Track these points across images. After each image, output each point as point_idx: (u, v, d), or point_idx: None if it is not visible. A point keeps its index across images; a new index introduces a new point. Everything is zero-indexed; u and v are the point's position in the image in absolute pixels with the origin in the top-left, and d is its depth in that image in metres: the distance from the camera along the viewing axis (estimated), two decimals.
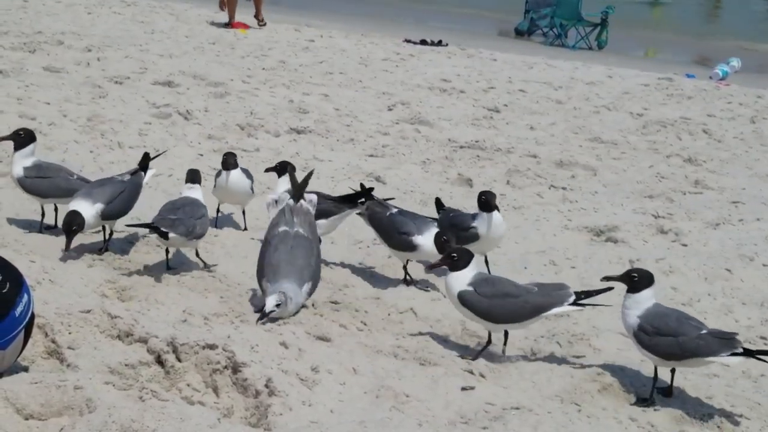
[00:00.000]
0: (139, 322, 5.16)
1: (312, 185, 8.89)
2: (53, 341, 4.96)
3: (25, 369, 4.74)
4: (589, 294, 5.67)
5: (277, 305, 5.73)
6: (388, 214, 6.85)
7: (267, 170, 7.72)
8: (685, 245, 8.24)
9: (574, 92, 14.95)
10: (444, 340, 5.94)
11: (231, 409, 4.71)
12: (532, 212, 8.87)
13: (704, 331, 5.26)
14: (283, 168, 7.40)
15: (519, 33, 23.26)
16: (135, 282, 6.15)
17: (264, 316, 5.68)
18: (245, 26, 18.45)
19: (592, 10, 22.16)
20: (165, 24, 17.61)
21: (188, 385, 4.81)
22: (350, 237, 7.76)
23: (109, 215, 6.61)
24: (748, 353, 5.20)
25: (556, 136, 11.97)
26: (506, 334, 5.76)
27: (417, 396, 4.98)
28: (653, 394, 5.38)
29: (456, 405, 4.98)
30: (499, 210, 6.92)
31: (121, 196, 6.72)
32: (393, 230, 6.76)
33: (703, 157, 11.32)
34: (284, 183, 7.12)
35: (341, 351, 5.43)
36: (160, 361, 4.92)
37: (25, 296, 4.49)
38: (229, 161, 7.58)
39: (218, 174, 7.69)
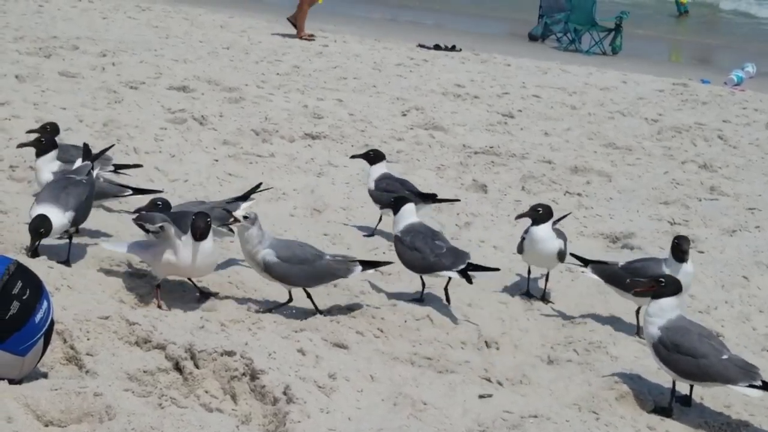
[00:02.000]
0: (157, 329, 5.16)
1: (327, 192, 8.95)
2: (72, 347, 4.98)
3: (45, 375, 4.75)
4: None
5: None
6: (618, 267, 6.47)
7: (354, 156, 8.25)
8: (701, 252, 8.22)
9: (588, 98, 14.93)
10: (461, 348, 5.94)
11: (249, 416, 4.72)
12: None
13: (725, 357, 5.18)
14: (377, 156, 8.00)
15: (533, 38, 23.24)
16: (151, 288, 6.15)
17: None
18: (311, 36, 18.59)
19: (606, 15, 22.12)
20: (179, 29, 17.65)
21: (206, 392, 4.83)
22: (366, 244, 7.76)
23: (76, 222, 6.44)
24: (767, 386, 5.13)
25: (571, 141, 11.95)
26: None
27: (434, 403, 4.98)
28: (672, 403, 5.36)
29: (473, 413, 4.98)
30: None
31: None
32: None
33: (718, 163, 11.29)
34: (379, 169, 7.88)
35: (358, 358, 5.44)
36: (178, 368, 4.93)
37: (45, 303, 4.50)
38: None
39: None
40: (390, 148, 10.80)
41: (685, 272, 6.10)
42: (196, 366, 4.92)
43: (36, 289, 4.48)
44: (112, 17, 18.22)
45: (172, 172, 8.99)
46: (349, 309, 6.23)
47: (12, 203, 7.59)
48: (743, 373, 5.15)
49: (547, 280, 6.96)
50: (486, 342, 6.10)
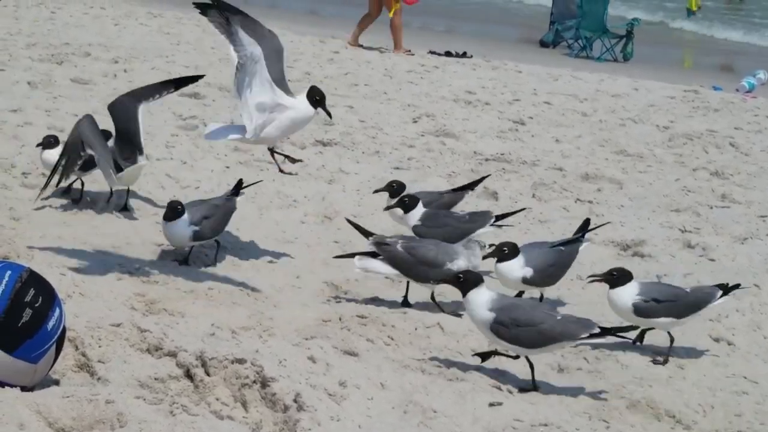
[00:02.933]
0: (168, 336, 5.18)
1: (338, 199, 8.96)
2: (84, 355, 4.99)
3: (57, 383, 4.77)
4: None
5: None
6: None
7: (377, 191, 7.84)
8: (712, 260, 8.21)
9: (599, 104, 14.92)
10: (471, 355, 5.93)
11: (260, 424, 4.72)
12: (558, 226, 8.84)
13: (560, 317, 5.52)
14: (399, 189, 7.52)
15: (544, 45, 23.25)
16: (163, 295, 6.18)
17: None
18: (409, 52, 18.89)
19: (617, 21, 22.14)
20: (191, 35, 17.70)
21: (217, 400, 4.83)
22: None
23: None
24: (605, 332, 5.45)
25: (582, 148, 11.95)
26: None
27: (445, 411, 4.99)
28: (534, 380, 5.55)
29: (484, 421, 4.98)
30: None
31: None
32: None
33: (730, 170, 11.27)
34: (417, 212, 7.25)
35: (369, 366, 5.44)
36: (189, 375, 4.94)
37: (57, 310, 4.53)
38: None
39: None
40: (401, 155, 10.82)
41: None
42: (207, 373, 4.93)
43: (48, 297, 4.51)
44: (124, 24, 18.28)
45: (183, 178, 9.01)
46: (360, 317, 6.24)
47: (24, 210, 7.64)
48: (582, 326, 5.48)
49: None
50: (497, 350, 6.09)
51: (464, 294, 5.52)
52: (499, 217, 7.46)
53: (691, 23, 30.43)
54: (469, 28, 24.59)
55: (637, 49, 22.16)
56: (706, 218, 9.37)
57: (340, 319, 6.21)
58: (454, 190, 8.08)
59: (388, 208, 7.44)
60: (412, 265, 6.43)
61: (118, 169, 7.21)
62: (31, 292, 4.43)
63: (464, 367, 5.73)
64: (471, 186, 8.11)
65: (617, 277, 6.01)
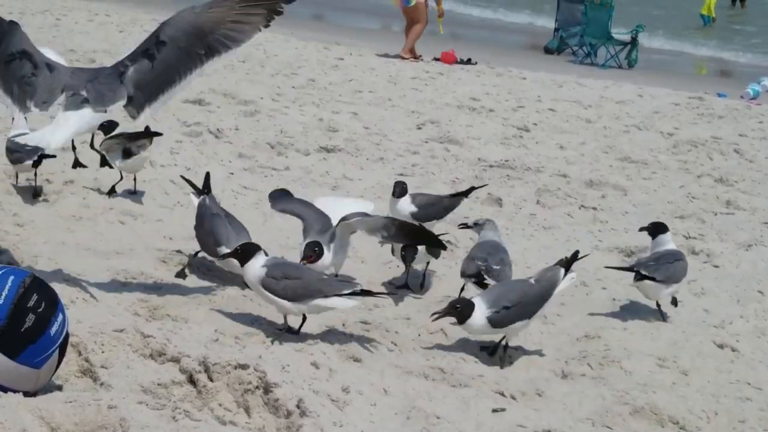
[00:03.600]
0: (171, 342, 5.18)
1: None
2: (87, 360, 4.99)
3: (59, 388, 4.77)
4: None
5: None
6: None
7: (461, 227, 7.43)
8: (716, 267, 8.20)
9: (604, 111, 14.92)
10: (475, 362, 5.93)
11: (263, 430, 4.72)
12: (563, 232, 8.85)
13: (325, 276, 5.97)
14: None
15: (549, 51, 23.25)
16: (167, 301, 6.18)
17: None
18: (419, 58, 19.21)
19: (622, 28, 22.13)
20: None
21: (220, 405, 4.83)
22: (380, 257, 7.76)
23: None
24: (365, 293, 5.81)
25: (586, 155, 11.95)
26: None
27: (448, 417, 4.98)
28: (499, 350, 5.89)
29: (487, 427, 4.98)
30: None
31: None
32: None
33: (734, 177, 11.26)
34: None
35: (372, 371, 5.44)
36: (192, 381, 4.94)
37: (60, 315, 4.53)
38: None
39: None
40: (405, 161, 10.82)
41: None
42: (210, 379, 4.93)
43: (51, 302, 4.51)
44: (128, 30, 18.31)
45: (187, 185, 9.01)
46: (363, 322, 6.24)
47: (29, 216, 7.64)
48: (345, 283, 5.87)
49: None
50: (500, 356, 6.09)
51: (242, 265, 5.84)
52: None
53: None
54: (474, 35, 24.59)
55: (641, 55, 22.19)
56: (711, 225, 9.37)
57: (343, 324, 6.21)
58: (452, 195, 8.13)
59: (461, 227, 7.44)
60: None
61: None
62: (34, 297, 4.43)
63: (467, 373, 5.72)
64: (466, 193, 8.13)
65: (461, 310, 5.80)
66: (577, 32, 22.80)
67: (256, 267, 5.81)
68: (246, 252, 5.85)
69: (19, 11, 19.03)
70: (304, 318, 5.90)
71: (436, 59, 19.01)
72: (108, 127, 7.77)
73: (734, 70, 23.24)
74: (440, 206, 7.89)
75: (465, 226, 7.06)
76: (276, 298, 5.77)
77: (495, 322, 5.80)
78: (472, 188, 8.28)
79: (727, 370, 6.20)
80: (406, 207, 7.57)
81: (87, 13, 20.02)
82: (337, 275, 6.47)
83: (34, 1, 20.76)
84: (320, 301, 5.77)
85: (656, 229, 7.09)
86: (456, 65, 18.61)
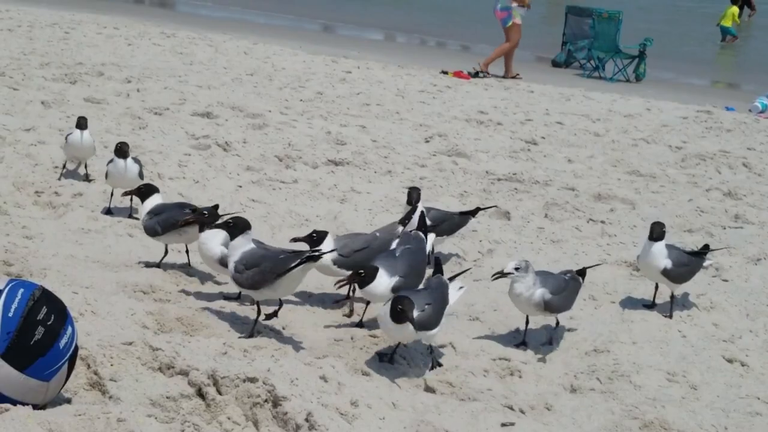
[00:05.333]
0: (180, 355, 5.18)
1: (350, 218, 8.97)
2: (96, 373, 4.99)
3: (68, 401, 4.77)
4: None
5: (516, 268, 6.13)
6: None
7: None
8: (725, 281, 8.18)
9: (612, 125, 14.92)
10: (483, 375, 5.92)
11: None
12: (571, 246, 8.83)
13: (282, 255, 5.95)
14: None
15: (556, 65, 23.25)
16: (175, 314, 6.18)
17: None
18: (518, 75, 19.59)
19: (630, 42, 22.10)
20: (204, 55, 17.77)
21: (229, 419, 4.82)
22: None
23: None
24: (311, 258, 5.85)
25: (594, 168, 11.94)
26: None
27: (456, 431, 4.97)
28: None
29: None
30: None
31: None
32: None
33: (743, 190, 11.24)
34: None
35: (380, 385, 5.44)
36: (201, 394, 4.94)
37: (69, 328, 4.53)
38: (123, 149, 8.29)
39: (110, 161, 8.37)
40: (413, 174, 10.82)
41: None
42: (219, 392, 4.93)
43: (60, 315, 4.51)
44: (137, 44, 18.36)
45: (195, 197, 9.02)
46: (372, 336, 6.23)
47: (38, 229, 7.65)
48: (296, 255, 5.88)
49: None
50: (509, 370, 6.08)
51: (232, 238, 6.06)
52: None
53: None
54: (482, 48, 24.59)
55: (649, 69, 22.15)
56: (719, 239, 9.34)
57: (352, 338, 6.21)
58: (461, 213, 8.22)
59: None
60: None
61: None
62: (44, 310, 4.43)
63: (476, 387, 5.71)
64: (473, 213, 8.25)
65: (364, 277, 6.05)
66: (584, 46, 22.79)
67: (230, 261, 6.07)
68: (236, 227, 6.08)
69: (28, 24, 19.12)
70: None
71: (444, 72, 19.01)
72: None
73: (742, 84, 23.19)
74: (452, 222, 7.94)
75: (501, 275, 6.32)
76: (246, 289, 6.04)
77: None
78: (478, 209, 8.37)
79: (736, 384, 6.19)
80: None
81: (96, 26, 20.08)
82: None
83: (43, 14, 20.84)
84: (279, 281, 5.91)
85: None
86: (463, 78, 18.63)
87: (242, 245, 6.02)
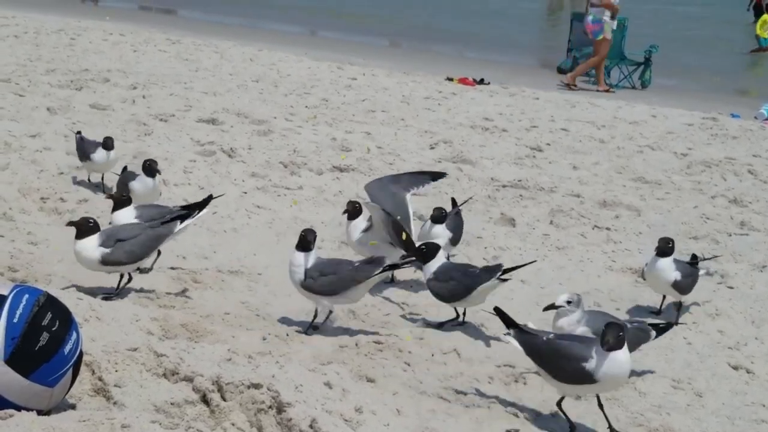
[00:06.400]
0: (184, 361, 5.17)
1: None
2: (100, 379, 4.98)
3: (73, 407, 4.76)
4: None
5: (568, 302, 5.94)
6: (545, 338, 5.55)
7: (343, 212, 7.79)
8: (731, 288, 8.16)
9: (617, 131, 14.90)
10: (488, 382, 5.91)
11: None
12: (576, 253, 8.83)
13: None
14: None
15: (562, 71, 23.23)
16: (179, 320, 6.18)
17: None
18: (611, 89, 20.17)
19: (635, 49, 22.08)
20: (209, 62, 17.80)
21: (233, 425, 4.81)
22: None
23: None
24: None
25: (600, 175, 11.92)
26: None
27: None
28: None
29: None
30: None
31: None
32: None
33: (748, 198, 11.22)
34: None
35: (385, 392, 5.43)
36: (205, 400, 4.92)
37: (74, 334, 4.52)
38: (153, 167, 8.32)
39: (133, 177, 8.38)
40: None
41: (613, 361, 5.17)
42: (223, 398, 4.91)
43: (65, 321, 4.50)
44: (142, 50, 18.40)
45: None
46: (376, 342, 6.23)
47: (43, 235, 7.67)
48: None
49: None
50: (514, 377, 6.07)
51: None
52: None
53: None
54: (487, 55, 24.62)
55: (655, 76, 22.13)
56: (725, 245, 9.33)
57: (356, 344, 6.20)
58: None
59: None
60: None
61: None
62: (48, 315, 4.42)
63: (481, 394, 5.70)
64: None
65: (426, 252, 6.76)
66: (590, 53, 22.77)
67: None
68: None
69: (34, 30, 19.17)
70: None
71: (449, 79, 19.02)
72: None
73: (748, 91, 23.15)
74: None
75: (552, 307, 6.01)
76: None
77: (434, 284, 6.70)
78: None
79: (742, 392, 6.17)
80: (442, 232, 7.79)
81: (101, 32, 20.13)
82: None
83: (49, 21, 20.89)
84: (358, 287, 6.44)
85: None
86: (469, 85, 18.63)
87: (312, 256, 6.44)
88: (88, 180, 9.34)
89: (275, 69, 17.88)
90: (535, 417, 5.50)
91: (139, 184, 8.25)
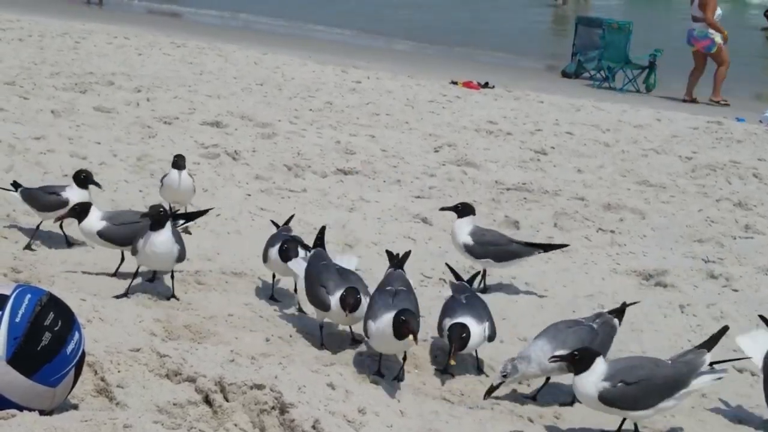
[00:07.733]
0: (187, 361, 5.16)
1: (359, 227, 8.95)
2: (103, 379, 4.98)
3: (75, 407, 4.76)
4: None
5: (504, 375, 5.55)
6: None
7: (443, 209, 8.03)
8: (736, 290, 8.14)
9: (621, 135, 14.88)
10: (491, 383, 5.89)
11: None
12: (580, 255, 8.81)
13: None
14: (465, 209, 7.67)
15: (566, 75, 23.24)
16: (182, 321, 6.17)
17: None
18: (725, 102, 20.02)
19: (640, 52, 22.07)
20: (213, 65, 17.80)
21: (236, 425, 4.80)
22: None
23: None
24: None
25: (604, 179, 11.91)
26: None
27: None
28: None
29: None
30: None
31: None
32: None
33: (753, 201, 11.20)
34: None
35: (388, 393, 5.42)
36: (208, 401, 4.92)
37: (77, 334, 4.51)
38: (180, 162, 8.21)
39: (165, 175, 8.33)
40: (422, 184, 10.81)
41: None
42: (226, 399, 4.91)
43: (68, 321, 4.50)
44: (147, 53, 18.41)
45: (204, 206, 9.02)
46: None
47: (45, 235, 7.65)
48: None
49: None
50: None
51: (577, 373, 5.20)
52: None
53: None
54: (492, 58, 24.62)
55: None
56: (730, 249, 9.30)
57: (359, 345, 6.18)
58: (526, 243, 7.78)
59: (443, 208, 8.08)
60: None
61: None
62: (51, 315, 4.42)
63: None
64: (543, 247, 7.84)
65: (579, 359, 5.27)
66: (594, 56, 22.76)
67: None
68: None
69: (38, 33, 19.19)
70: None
71: (453, 82, 19.02)
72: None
73: (753, 94, 23.12)
74: (503, 249, 7.62)
75: (492, 389, 5.67)
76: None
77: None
78: (545, 246, 7.92)
79: (747, 394, 6.15)
80: (462, 236, 7.56)
81: (106, 36, 20.15)
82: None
83: (54, 24, 20.91)
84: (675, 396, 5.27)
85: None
86: (472, 88, 18.62)
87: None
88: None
89: (279, 72, 17.88)
90: (539, 419, 5.48)
91: (167, 179, 8.28)
